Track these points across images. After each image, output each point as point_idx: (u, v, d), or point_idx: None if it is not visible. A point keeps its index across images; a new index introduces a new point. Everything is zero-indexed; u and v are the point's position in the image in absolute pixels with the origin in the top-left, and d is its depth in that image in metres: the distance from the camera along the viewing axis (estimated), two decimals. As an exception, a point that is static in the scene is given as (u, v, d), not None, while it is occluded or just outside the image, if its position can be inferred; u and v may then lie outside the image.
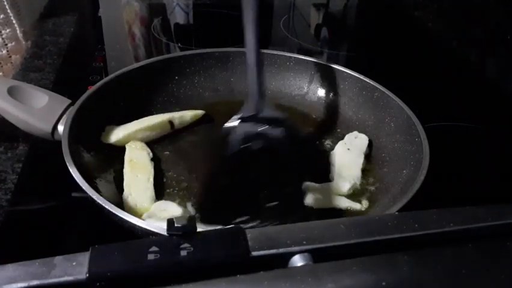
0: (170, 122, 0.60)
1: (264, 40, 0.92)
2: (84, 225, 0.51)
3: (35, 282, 0.27)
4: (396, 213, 0.41)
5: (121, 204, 0.48)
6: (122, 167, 0.53)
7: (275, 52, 0.69)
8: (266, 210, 0.45)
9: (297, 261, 0.30)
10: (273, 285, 0.27)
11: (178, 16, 1.06)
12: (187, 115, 0.62)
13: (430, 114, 0.65)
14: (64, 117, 0.52)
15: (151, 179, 0.51)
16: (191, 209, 0.50)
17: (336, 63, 0.67)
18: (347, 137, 0.60)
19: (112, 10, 1.06)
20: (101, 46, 0.87)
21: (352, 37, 1.06)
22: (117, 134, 0.56)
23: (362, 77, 0.64)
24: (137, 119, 0.59)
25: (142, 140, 0.57)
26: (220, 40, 0.86)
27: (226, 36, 0.93)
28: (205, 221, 0.44)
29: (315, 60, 0.68)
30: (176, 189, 0.52)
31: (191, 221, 0.31)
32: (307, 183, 0.52)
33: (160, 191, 0.51)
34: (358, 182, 0.53)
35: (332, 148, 0.59)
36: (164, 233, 0.31)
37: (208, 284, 0.27)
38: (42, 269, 0.28)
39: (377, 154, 0.59)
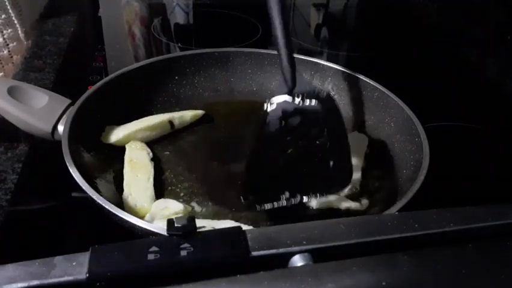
0: (170, 122, 0.60)
1: (264, 40, 0.92)
2: (84, 225, 0.51)
3: (35, 282, 0.27)
4: (396, 213, 0.41)
5: (121, 204, 0.48)
6: (122, 167, 0.53)
7: (275, 52, 0.69)
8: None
9: (297, 261, 0.30)
10: (273, 285, 0.27)
11: (178, 16, 1.06)
12: (187, 115, 0.62)
13: (430, 114, 0.65)
14: (64, 117, 0.52)
15: (151, 179, 0.51)
16: (195, 205, 0.50)
17: (336, 63, 0.67)
18: (347, 137, 0.60)
19: (112, 10, 1.06)
20: (101, 46, 0.87)
21: (352, 37, 1.06)
22: (117, 134, 0.56)
23: (362, 77, 0.64)
24: (137, 119, 0.59)
25: (142, 140, 0.57)
26: (220, 40, 0.87)
27: (226, 36, 0.93)
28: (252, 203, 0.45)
29: (315, 60, 0.68)
30: (178, 188, 0.52)
31: (191, 221, 0.31)
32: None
33: (160, 191, 0.51)
34: (358, 182, 0.53)
35: (332, 148, 0.59)
36: (164, 233, 0.31)
37: (208, 284, 0.27)
38: (42, 269, 0.28)
39: (377, 154, 0.59)
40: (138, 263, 0.29)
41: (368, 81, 0.63)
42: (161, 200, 0.49)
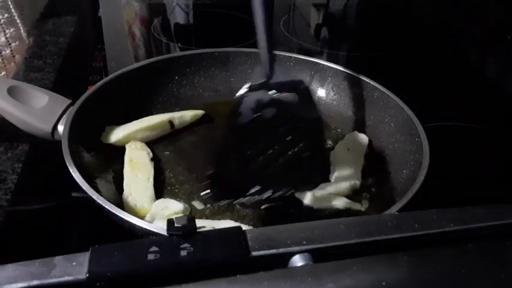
0: (170, 122, 0.60)
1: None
2: (84, 225, 0.51)
3: (35, 282, 0.27)
4: (396, 213, 0.41)
5: (121, 204, 0.48)
6: (122, 167, 0.53)
7: (275, 52, 0.69)
8: (279, 178, 0.44)
9: (297, 261, 0.30)
10: (273, 285, 0.27)
11: (178, 16, 1.06)
12: (187, 115, 0.62)
13: (430, 114, 0.65)
14: (64, 117, 0.52)
15: (151, 179, 0.51)
16: (195, 203, 0.50)
17: (336, 63, 0.67)
18: (347, 137, 0.60)
19: (112, 10, 1.06)
20: (101, 46, 0.87)
21: (352, 37, 1.06)
22: (117, 134, 0.56)
23: (362, 77, 0.64)
24: (137, 119, 0.59)
25: (142, 140, 0.57)
26: (220, 40, 0.87)
27: (226, 36, 0.93)
28: (217, 197, 0.43)
29: (315, 60, 0.68)
30: (178, 188, 0.52)
31: (191, 221, 0.31)
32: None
33: (160, 191, 0.51)
34: (358, 182, 0.53)
35: (332, 148, 0.59)
36: (164, 233, 0.31)
37: (208, 284, 0.27)
38: (42, 269, 0.28)
39: (377, 154, 0.59)
40: (138, 263, 0.29)
41: (368, 81, 0.63)
42: (161, 200, 0.49)
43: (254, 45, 0.84)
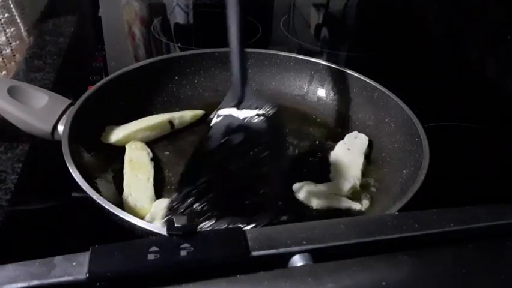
0: (170, 122, 0.60)
1: (264, 40, 0.92)
2: (84, 225, 0.51)
3: (35, 282, 0.27)
4: (396, 213, 0.41)
5: (121, 204, 0.48)
6: (122, 167, 0.53)
7: (275, 52, 0.69)
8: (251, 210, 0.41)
9: (297, 261, 0.30)
10: (273, 285, 0.27)
11: (178, 16, 1.06)
12: (187, 115, 0.62)
13: (430, 114, 0.65)
14: (64, 117, 0.52)
15: (151, 179, 0.51)
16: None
17: (336, 63, 0.67)
18: (347, 137, 0.60)
19: (112, 10, 1.06)
20: (101, 46, 0.87)
21: (352, 37, 1.06)
22: (117, 134, 0.56)
23: (362, 77, 0.64)
24: (137, 119, 0.59)
25: (142, 140, 0.57)
26: (220, 40, 0.86)
27: (226, 36, 0.93)
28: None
29: (315, 60, 0.68)
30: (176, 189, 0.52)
31: (191, 221, 0.31)
32: (308, 183, 0.52)
33: (160, 191, 0.51)
34: (358, 182, 0.53)
35: (332, 148, 0.59)
36: (164, 233, 0.31)
37: (208, 284, 0.27)
38: (42, 269, 0.28)
39: (377, 154, 0.59)
40: (138, 263, 0.29)
41: (368, 81, 0.63)
42: (161, 200, 0.49)
43: (254, 45, 0.84)
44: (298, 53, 0.71)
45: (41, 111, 0.52)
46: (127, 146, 0.55)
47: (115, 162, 0.54)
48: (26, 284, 0.27)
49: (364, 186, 0.54)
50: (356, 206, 0.51)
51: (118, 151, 0.55)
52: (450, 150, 0.62)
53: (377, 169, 0.57)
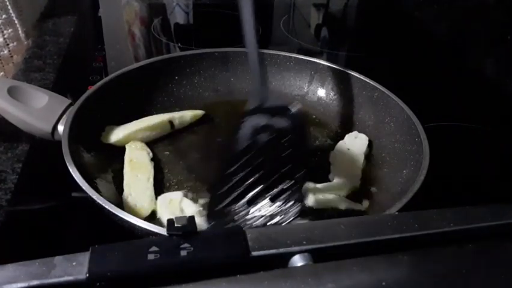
0: (170, 122, 0.60)
1: (264, 40, 0.92)
2: (84, 225, 0.51)
3: (35, 282, 0.27)
4: (396, 213, 0.41)
5: (121, 204, 0.48)
6: (122, 167, 0.53)
7: (275, 52, 0.69)
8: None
9: (297, 261, 0.30)
10: (273, 285, 0.27)
11: (178, 16, 1.06)
12: (187, 115, 0.62)
13: (430, 114, 0.65)
14: (64, 117, 0.52)
15: (151, 179, 0.52)
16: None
17: (336, 63, 0.67)
18: (347, 137, 0.60)
19: (112, 10, 1.06)
20: (101, 46, 0.87)
21: (352, 37, 1.06)
22: (117, 134, 0.56)
23: (362, 77, 0.64)
24: (137, 119, 0.59)
25: (142, 140, 0.57)
26: (220, 40, 0.86)
27: (226, 36, 0.93)
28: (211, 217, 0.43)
29: (315, 60, 0.68)
30: (176, 188, 0.52)
31: (191, 221, 0.31)
32: (308, 183, 0.52)
33: (160, 191, 0.51)
34: (358, 182, 0.53)
35: (332, 148, 0.59)
36: (164, 233, 0.31)
37: (208, 284, 0.27)
38: (42, 269, 0.28)
39: (377, 154, 0.59)
40: (138, 263, 0.29)
41: (368, 81, 0.63)
42: (163, 196, 0.49)
43: (254, 45, 0.84)
44: (298, 53, 0.71)
45: (41, 111, 0.52)
46: (127, 146, 0.55)
47: (115, 162, 0.54)
48: (26, 284, 0.27)
49: (364, 186, 0.54)
50: (356, 206, 0.51)
51: (118, 151, 0.55)
52: (450, 150, 0.62)
53: (377, 169, 0.57)
